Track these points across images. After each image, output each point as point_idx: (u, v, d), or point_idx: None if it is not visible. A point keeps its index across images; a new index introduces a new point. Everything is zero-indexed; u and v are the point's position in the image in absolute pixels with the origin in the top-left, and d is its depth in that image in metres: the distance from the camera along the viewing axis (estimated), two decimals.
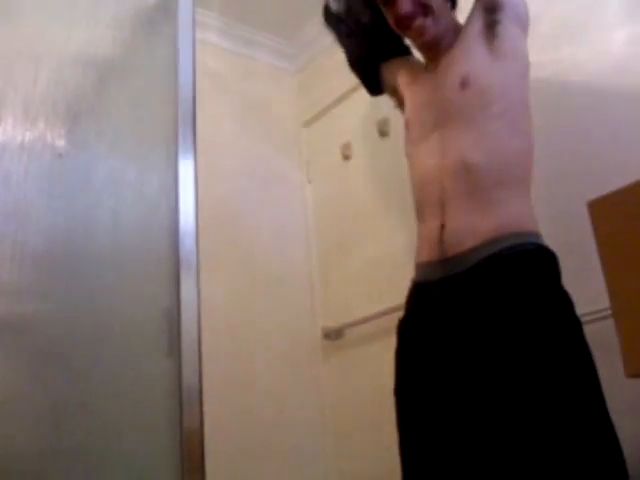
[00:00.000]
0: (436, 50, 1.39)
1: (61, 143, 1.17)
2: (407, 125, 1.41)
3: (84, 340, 1.08)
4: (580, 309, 1.13)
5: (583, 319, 1.13)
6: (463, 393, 1.12)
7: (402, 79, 1.48)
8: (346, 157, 2.34)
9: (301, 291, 2.34)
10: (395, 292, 1.46)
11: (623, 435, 1.04)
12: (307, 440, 2.14)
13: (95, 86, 1.22)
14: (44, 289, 1.09)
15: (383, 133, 2.17)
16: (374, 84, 1.60)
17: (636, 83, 1.50)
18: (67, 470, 1.01)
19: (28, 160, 1.10)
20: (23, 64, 1.14)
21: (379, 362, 1.93)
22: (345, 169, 2.35)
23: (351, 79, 1.69)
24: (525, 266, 1.16)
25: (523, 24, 1.34)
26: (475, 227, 1.19)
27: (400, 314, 1.31)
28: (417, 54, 1.53)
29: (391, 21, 1.38)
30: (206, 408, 1.06)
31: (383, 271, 2.10)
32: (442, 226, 1.22)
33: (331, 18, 1.59)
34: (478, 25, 1.33)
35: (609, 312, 1.08)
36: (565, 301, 1.13)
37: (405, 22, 1.35)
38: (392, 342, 1.30)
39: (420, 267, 1.29)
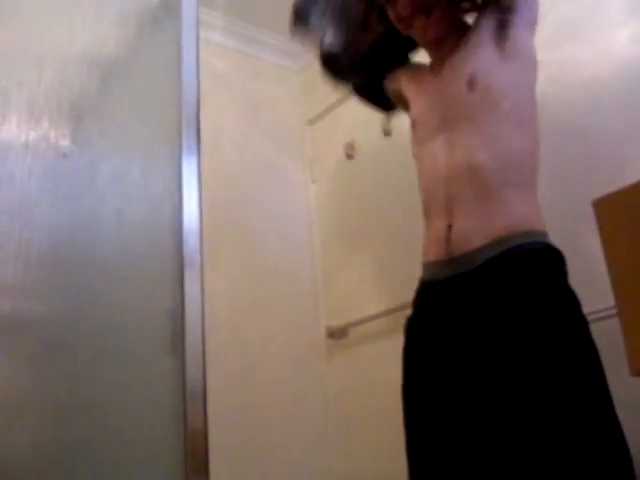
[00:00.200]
0: (441, 49, 1.38)
1: (65, 142, 1.17)
2: (413, 125, 1.40)
3: (88, 338, 1.08)
4: (585, 308, 1.13)
5: (588, 318, 1.12)
6: (471, 391, 1.12)
7: (406, 81, 1.47)
8: (349, 156, 2.34)
9: (305, 290, 2.34)
10: (399, 291, 1.46)
11: (629, 433, 1.04)
12: (311, 438, 2.14)
13: (99, 85, 1.23)
14: (48, 288, 1.09)
15: (387, 132, 2.16)
16: (384, 102, 1.60)
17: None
18: (70, 468, 1.01)
19: (32, 159, 1.10)
20: (27, 64, 1.15)
21: (383, 361, 1.93)
22: (348, 168, 2.35)
23: None
24: (532, 265, 1.15)
25: (534, 25, 1.33)
26: (482, 227, 1.19)
27: (404, 313, 1.32)
28: (422, 55, 1.52)
29: (393, 20, 1.38)
30: (210, 406, 1.06)
31: (387, 270, 2.11)
32: (449, 226, 1.22)
33: (330, 59, 1.56)
34: (489, 25, 1.31)
35: (614, 311, 1.08)
36: (572, 300, 1.13)
37: (406, 21, 1.36)
38: (396, 341, 1.30)
39: (427, 266, 1.29)
